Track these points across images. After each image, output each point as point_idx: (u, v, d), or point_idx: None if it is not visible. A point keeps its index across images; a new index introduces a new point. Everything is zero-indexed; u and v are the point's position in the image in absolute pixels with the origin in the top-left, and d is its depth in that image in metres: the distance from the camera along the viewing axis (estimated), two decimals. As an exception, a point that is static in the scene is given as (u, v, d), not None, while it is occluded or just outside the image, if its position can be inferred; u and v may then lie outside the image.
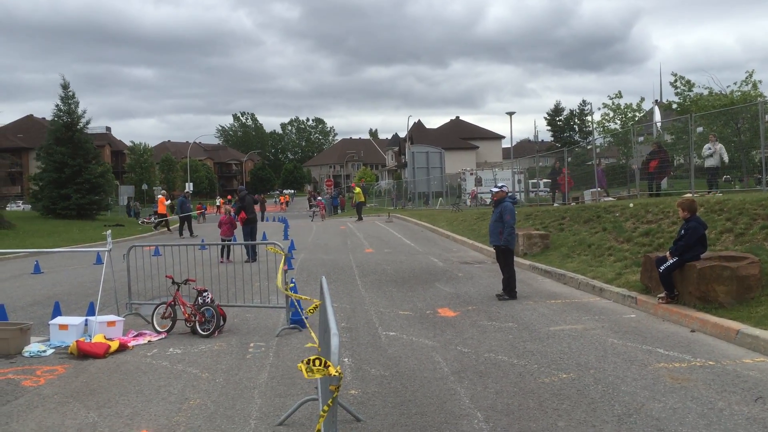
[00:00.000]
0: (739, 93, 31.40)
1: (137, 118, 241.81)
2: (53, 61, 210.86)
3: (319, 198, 50.19)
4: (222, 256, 17.30)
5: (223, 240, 18.00)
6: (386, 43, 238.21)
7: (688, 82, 33.58)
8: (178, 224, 30.27)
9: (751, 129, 22.95)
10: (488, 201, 38.15)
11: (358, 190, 42.87)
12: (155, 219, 36.16)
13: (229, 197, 69.84)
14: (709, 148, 17.64)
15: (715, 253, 10.03)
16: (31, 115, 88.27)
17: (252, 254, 16.82)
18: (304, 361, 3.84)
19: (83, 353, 8.06)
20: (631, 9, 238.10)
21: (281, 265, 9.20)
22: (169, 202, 37.36)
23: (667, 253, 9.64)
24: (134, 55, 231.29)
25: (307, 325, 8.39)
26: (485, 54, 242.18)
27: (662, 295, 9.64)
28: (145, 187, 74.07)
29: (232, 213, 18.72)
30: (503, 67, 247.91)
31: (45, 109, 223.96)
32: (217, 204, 56.63)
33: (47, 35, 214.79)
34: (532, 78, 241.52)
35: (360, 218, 38.15)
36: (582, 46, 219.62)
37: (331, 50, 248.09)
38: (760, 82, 32.11)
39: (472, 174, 45.25)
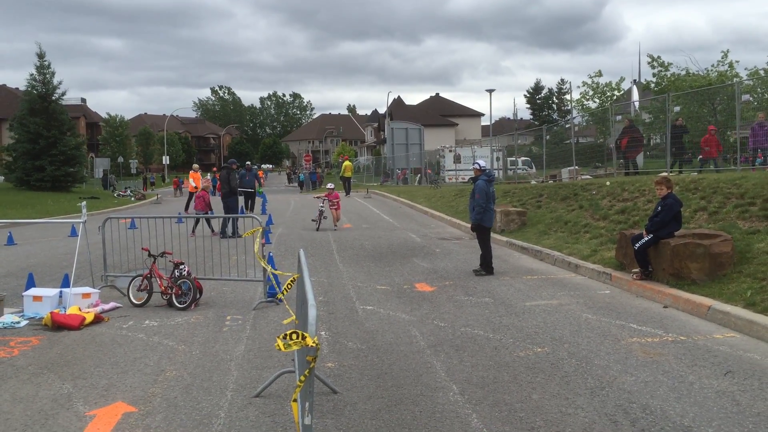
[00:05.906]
0: (716, 73, 31.63)
1: (109, 89, 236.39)
2: (18, 30, 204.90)
3: (330, 186, 20.99)
4: (193, 231, 17.17)
5: (197, 213, 17.86)
6: (358, 18, 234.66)
7: (663, 63, 33.78)
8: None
9: (727, 109, 23.20)
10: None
11: (348, 163, 39.77)
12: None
13: (215, 169, 68.48)
14: None
15: (689, 230, 10.19)
16: (4, 85, 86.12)
17: (222, 229, 16.64)
18: (281, 336, 3.83)
19: (58, 325, 7.99)
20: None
21: (258, 237, 9.18)
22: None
23: (643, 231, 9.77)
24: (102, 25, 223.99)
25: (284, 301, 8.41)
26: (459, 31, 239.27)
27: (636, 271, 9.78)
28: (120, 159, 72.87)
29: (210, 188, 18.55)
30: (477, 44, 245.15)
31: (12, 78, 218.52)
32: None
33: (11, 2, 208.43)
34: (507, 56, 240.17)
35: (347, 194, 37.18)
36: (554, 24, 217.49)
37: (303, 24, 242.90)
38: (737, 62, 32.45)
39: (451, 151, 45.27)
